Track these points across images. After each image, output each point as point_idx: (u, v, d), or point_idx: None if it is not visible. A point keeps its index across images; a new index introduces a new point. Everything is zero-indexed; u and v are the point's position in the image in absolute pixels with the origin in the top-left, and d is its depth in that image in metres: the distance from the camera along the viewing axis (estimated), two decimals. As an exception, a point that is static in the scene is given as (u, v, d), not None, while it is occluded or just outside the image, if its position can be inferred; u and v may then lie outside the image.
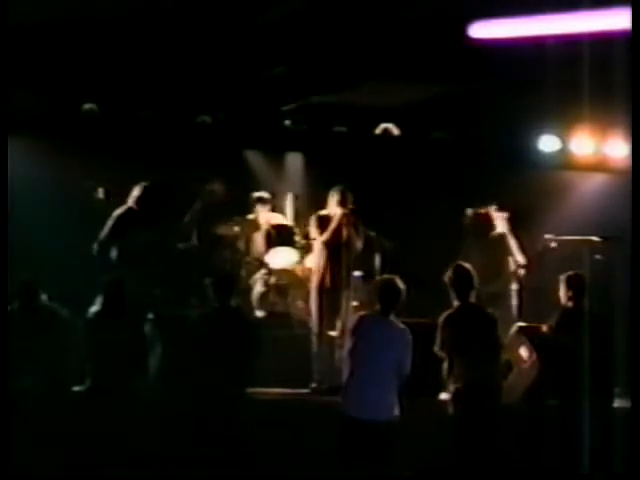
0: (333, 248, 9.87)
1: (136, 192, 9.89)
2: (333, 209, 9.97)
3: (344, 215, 9.86)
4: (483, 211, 10.86)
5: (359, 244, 9.98)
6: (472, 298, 8.33)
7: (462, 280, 8.34)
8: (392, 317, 7.89)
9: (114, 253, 9.54)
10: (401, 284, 7.95)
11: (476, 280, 8.39)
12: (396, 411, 7.74)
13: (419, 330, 9.39)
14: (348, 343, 7.88)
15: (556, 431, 8.47)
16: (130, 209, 9.82)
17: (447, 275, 8.39)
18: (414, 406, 8.90)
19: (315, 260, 10.05)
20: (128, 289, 8.60)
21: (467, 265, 8.45)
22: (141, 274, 9.36)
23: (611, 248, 10.33)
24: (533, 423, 8.82)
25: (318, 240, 9.96)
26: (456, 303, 8.33)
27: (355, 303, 10.18)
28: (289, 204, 11.59)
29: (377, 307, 7.92)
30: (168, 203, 10.21)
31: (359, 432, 7.63)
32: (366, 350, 7.71)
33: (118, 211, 9.78)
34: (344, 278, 9.84)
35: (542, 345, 9.05)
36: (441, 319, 8.29)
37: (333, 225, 9.87)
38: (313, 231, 10.09)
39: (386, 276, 8.39)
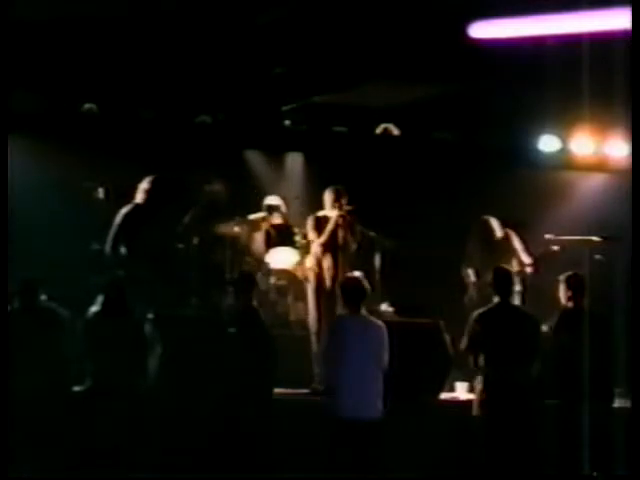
0: (330, 250, 9.87)
1: (145, 185, 9.88)
2: (329, 210, 9.97)
3: (340, 216, 9.86)
4: (484, 219, 10.91)
5: (353, 246, 10.00)
6: (512, 300, 8.29)
7: (502, 280, 8.32)
8: (363, 313, 7.95)
9: (123, 251, 9.57)
10: (364, 281, 8.09)
11: (515, 280, 8.38)
12: (381, 407, 7.78)
13: (420, 330, 9.43)
14: (326, 345, 7.89)
15: (556, 431, 8.47)
16: (137, 206, 9.82)
17: (489, 279, 8.38)
18: (414, 406, 8.92)
19: (313, 262, 10.05)
20: (130, 289, 8.60)
21: (507, 266, 8.42)
22: (148, 273, 9.40)
23: (611, 248, 10.34)
24: (533, 423, 8.82)
25: (316, 242, 9.97)
26: (495, 301, 8.29)
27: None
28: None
29: (345, 308, 8.00)
30: (176, 197, 10.22)
31: (349, 432, 7.66)
32: (347, 350, 7.76)
33: (125, 209, 9.78)
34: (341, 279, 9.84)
35: (542, 345, 9.04)
36: (473, 316, 8.26)
37: (330, 227, 9.88)
38: (310, 233, 10.11)
39: (348, 275, 8.48)
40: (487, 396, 8.10)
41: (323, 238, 9.89)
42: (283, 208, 11.33)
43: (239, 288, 8.54)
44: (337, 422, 7.73)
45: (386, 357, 7.87)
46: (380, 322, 8.07)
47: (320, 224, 9.97)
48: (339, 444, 7.73)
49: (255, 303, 8.53)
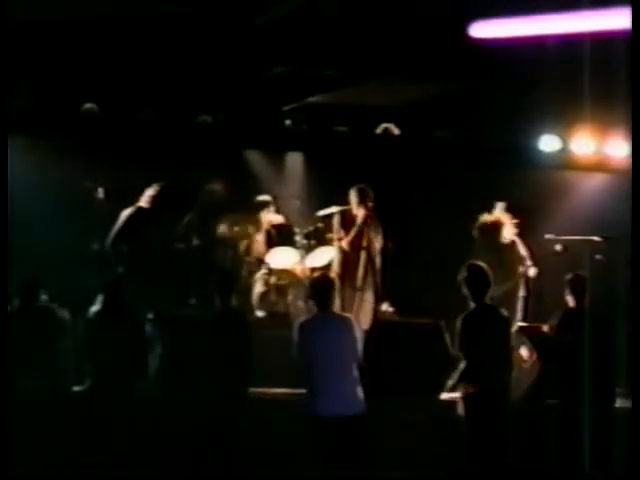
0: (355, 249, 9.92)
1: (151, 192, 9.93)
2: (355, 208, 10.01)
3: (367, 216, 9.90)
4: (493, 219, 10.78)
5: (378, 245, 10.03)
6: (487, 298, 8.27)
7: (478, 280, 8.24)
8: (332, 309, 7.91)
9: (124, 249, 9.60)
10: (334, 277, 8.15)
11: (492, 279, 8.32)
12: (363, 400, 7.76)
13: (421, 330, 9.43)
14: (299, 348, 7.83)
15: (556, 431, 8.47)
16: (140, 209, 9.86)
17: (461, 275, 8.30)
18: (415, 406, 8.92)
19: (336, 260, 10.08)
20: (130, 289, 8.61)
21: (481, 264, 8.35)
22: (148, 273, 9.42)
23: (611, 248, 10.32)
24: (533, 423, 8.82)
25: (344, 241, 10.02)
26: (472, 304, 8.21)
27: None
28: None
29: (315, 306, 7.90)
30: (181, 205, 10.24)
31: (336, 430, 7.64)
32: (320, 350, 7.72)
33: (127, 211, 9.81)
34: (360, 278, 9.86)
35: (543, 345, 9.05)
36: (460, 320, 8.17)
37: (357, 227, 9.94)
38: (337, 230, 10.14)
39: (316, 274, 8.47)
40: (477, 397, 8.08)
41: (351, 236, 9.96)
42: (273, 204, 11.29)
43: (219, 287, 8.40)
44: (322, 421, 7.69)
45: (359, 349, 7.85)
46: (346, 314, 8.12)
47: (346, 221, 10.02)
48: (331, 443, 7.72)
49: (234, 302, 8.49)
